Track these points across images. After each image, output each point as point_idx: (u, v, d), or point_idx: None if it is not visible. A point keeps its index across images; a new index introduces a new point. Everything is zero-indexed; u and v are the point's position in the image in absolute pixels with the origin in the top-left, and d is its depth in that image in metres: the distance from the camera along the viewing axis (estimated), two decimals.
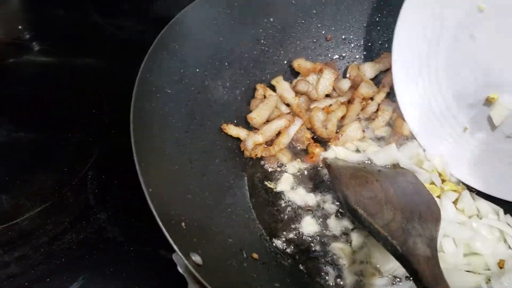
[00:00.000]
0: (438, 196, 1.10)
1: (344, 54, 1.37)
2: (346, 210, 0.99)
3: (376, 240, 0.91)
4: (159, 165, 0.89)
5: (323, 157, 1.18)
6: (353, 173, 1.06)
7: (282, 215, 1.11)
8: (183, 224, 0.83)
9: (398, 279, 1.00)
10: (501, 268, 1.01)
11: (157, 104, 0.97)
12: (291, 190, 1.15)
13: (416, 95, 1.22)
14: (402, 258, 0.84)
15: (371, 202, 0.95)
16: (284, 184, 1.15)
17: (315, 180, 1.18)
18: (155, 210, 0.75)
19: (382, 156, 1.18)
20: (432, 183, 1.13)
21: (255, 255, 0.96)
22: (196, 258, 0.74)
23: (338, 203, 1.11)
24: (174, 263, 0.78)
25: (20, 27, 1.52)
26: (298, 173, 1.19)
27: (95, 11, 1.58)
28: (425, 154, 1.20)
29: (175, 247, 0.71)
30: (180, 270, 0.73)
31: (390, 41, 1.33)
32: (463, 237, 1.04)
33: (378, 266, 1.01)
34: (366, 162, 1.19)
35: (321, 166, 1.19)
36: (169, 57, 1.03)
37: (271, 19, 1.26)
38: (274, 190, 1.14)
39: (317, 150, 1.22)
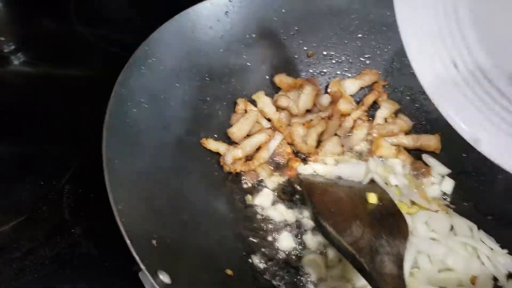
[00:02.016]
0: (409, 213, 1.10)
1: (325, 70, 1.38)
2: (316, 226, 1.00)
3: (344, 257, 0.92)
4: (132, 182, 0.89)
5: (297, 173, 1.18)
6: (325, 189, 1.07)
7: (259, 231, 1.11)
8: (154, 241, 0.83)
9: None
10: (473, 284, 1.01)
11: (133, 119, 0.97)
12: (271, 206, 1.15)
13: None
14: (369, 276, 0.84)
15: (340, 219, 0.97)
16: (263, 199, 1.15)
17: (293, 195, 1.18)
18: (123, 228, 0.75)
19: (352, 172, 1.19)
20: (401, 201, 1.13)
21: (229, 272, 0.96)
22: (164, 277, 0.74)
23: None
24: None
25: (2, 38, 1.51)
26: (278, 188, 1.19)
27: (78, 22, 1.58)
28: (395, 174, 1.20)
29: (141, 265, 0.71)
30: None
31: (371, 58, 1.36)
32: (437, 253, 1.04)
33: (353, 282, 1.01)
34: (342, 178, 1.19)
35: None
36: (146, 72, 1.04)
37: (253, 35, 1.27)
38: (252, 204, 1.14)
39: (296, 164, 1.22)
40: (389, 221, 1.00)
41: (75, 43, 1.55)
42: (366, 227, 0.96)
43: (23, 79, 1.45)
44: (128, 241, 0.73)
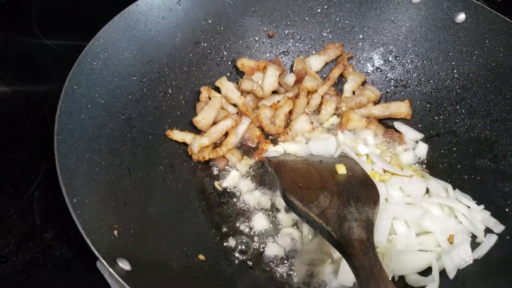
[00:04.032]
0: (382, 180, 1.09)
1: (288, 50, 1.37)
2: (285, 202, 0.99)
3: (313, 228, 0.91)
4: (90, 175, 0.88)
5: (266, 154, 1.17)
6: (293, 166, 1.07)
7: (233, 215, 1.10)
8: (115, 232, 0.82)
9: None
10: (451, 243, 1.00)
11: (88, 114, 0.96)
12: (247, 192, 1.14)
13: None
14: (337, 244, 0.84)
15: (307, 192, 0.96)
16: (230, 181, 1.14)
17: (264, 176, 1.16)
18: (78, 220, 0.74)
19: (323, 148, 1.18)
20: (373, 170, 1.12)
21: (201, 257, 0.95)
22: (124, 264, 0.73)
23: None
24: None
25: None
26: (249, 171, 1.18)
27: (40, 33, 1.56)
28: (364, 144, 1.19)
29: (97, 253, 0.70)
30: (106, 277, 0.71)
31: (333, 31, 1.35)
32: (413, 217, 1.03)
33: (329, 254, 1.00)
34: (313, 154, 1.18)
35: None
36: (99, 67, 1.02)
37: (210, 21, 1.26)
38: (222, 189, 1.13)
39: (267, 146, 1.21)
40: (358, 189, 0.99)
41: (38, 53, 1.53)
42: (334, 197, 0.95)
43: None
44: (82, 231, 0.72)
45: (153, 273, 0.79)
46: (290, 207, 0.97)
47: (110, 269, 0.69)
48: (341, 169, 1.06)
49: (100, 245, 0.72)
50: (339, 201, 0.93)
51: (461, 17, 1.22)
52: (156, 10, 1.16)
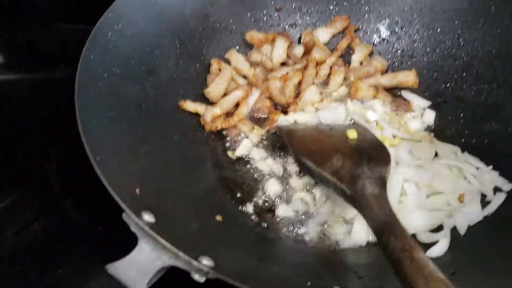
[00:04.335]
0: (392, 145, 1.11)
1: (296, 22, 1.39)
2: (298, 165, 1.01)
3: (328, 188, 0.94)
4: (109, 140, 0.90)
5: (276, 124, 1.20)
6: (304, 132, 1.10)
7: (246, 182, 1.12)
8: (137, 190, 0.84)
9: None
10: (461, 202, 1.02)
11: (104, 84, 0.98)
12: (260, 160, 1.16)
13: None
14: (351, 199, 0.87)
15: (320, 154, 0.99)
16: (243, 149, 1.16)
17: (276, 145, 1.19)
18: (102, 175, 0.76)
19: (333, 117, 1.20)
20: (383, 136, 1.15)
21: (219, 218, 0.97)
22: (149, 217, 0.75)
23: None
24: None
25: None
26: (262, 140, 1.20)
27: (46, 18, 1.58)
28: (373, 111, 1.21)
29: (123, 205, 0.72)
30: (132, 229, 0.74)
31: (339, 4, 1.37)
32: (423, 178, 1.05)
33: (342, 215, 1.03)
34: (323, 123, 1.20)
35: None
36: (113, 38, 1.04)
37: None
38: (234, 157, 1.16)
39: (277, 116, 1.23)
40: (369, 151, 1.02)
41: (51, 39, 1.55)
42: (346, 158, 0.97)
43: (3, 80, 1.45)
44: (107, 184, 0.74)
45: (174, 228, 0.81)
46: (304, 169, 1.00)
47: (137, 220, 0.71)
48: (352, 134, 1.08)
49: (126, 199, 0.74)
50: (351, 162, 0.96)
51: None
52: None
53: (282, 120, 1.22)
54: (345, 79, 1.31)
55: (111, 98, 0.99)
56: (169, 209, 0.87)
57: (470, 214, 1.00)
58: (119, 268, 0.68)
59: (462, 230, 0.99)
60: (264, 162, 1.15)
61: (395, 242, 0.72)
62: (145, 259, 0.69)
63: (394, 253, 0.70)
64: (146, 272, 0.68)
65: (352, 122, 1.20)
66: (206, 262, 0.70)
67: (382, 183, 0.90)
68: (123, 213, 0.73)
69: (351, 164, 0.95)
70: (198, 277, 0.70)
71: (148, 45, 1.14)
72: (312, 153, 1.01)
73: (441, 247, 0.95)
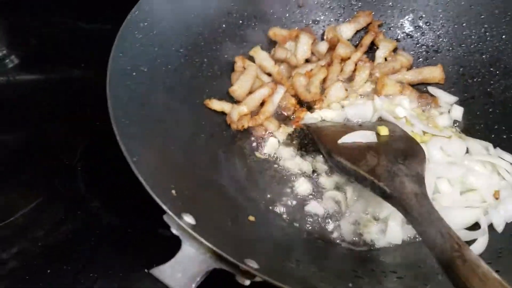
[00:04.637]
0: (423, 141, 1.09)
1: (318, 19, 1.37)
2: (331, 163, 1.00)
3: (364, 186, 0.92)
4: (142, 140, 0.89)
5: (303, 122, 1.18)
6: (334, 130, 1.07)
7: (275, 181, 1.11)
8: (173, 191, 0.83)
9: None
10: (497, 199, 1.01)
11: (133, 82, 0.97)
12: (288, 159, 1.15)
13: None
14: (391, 198, 0.85)
15: (353, 152, 0.97)
16: (270, 148, 1.15)
17: (304, 143, 1.17)
18: (141, 177, 0.74)
19: (360, 112, 1.19)
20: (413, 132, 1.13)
21: (251, 218, 0.96)
22: (189, 218, 0.74)
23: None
24: (173, 238, 0.77)
25: None
26: (288, 139, 1.19)
27: (72, 17, 1.57)
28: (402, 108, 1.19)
29: (164, 207, 0.71)
30: (173, 231, 0.72)
31: (362, 0, 1.35)
32: (456, 175, 1.04)
33: (375, 214, 1.01)
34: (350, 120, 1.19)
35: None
36: (140, 36, 1.03)
37: None
38: (262, 156, 1.14)
39: (303, 114, 1.22)
40: (403, 148, 1.00)
41: (67, 39, 1.54)
42: (381, 155, 0.96)
43: (20, 79, 1.44)
44: (147, 187, 0.73)
45: (213, 228, 0.80)
46: (338, 168, 0.98)
47: (179, 221, 0.70)
48: (383, 131, 1.06)
49: (166, 200, 0.73)
50: (386, 159, 0.94)
51: None
52: None
53: (309, 118, 1.20)
54: (370, 75, 1.29)
55: (140, 97, 0.97)
56: (205, 210, 0.86)
57: (507, 211, 0.98)
58: (165, 272, 0.67)
59: (499, 228, 0.97)
60: (293, 161, 1.14)
61: (443, 242, 0.70)
62: (191, 262, 0.68)
63: (444, 253, 0.69)
64: (193, 275, 0.67)
65: (380, 118, 1.18)
66: (252, 264, 0.68)
67: (420, 180, 0.88)
68: (164, 214, 0.72)
69: (386, 162, 0.93)
70: (243, 280, 0.69)
71: (173, 44, 1.13)
72: (345, 150, 0.99)
73: (479, 246, 0.93)
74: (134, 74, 0.99)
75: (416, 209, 0.79)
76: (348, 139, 1.03)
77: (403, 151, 0.98)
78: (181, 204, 0.79)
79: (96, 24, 1.60)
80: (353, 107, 1.21)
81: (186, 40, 1.16)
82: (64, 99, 1.33)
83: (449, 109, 1.24)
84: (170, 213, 0.70)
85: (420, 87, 1.30)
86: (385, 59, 1.33)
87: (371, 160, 0.94)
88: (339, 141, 1.02)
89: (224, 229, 0.84)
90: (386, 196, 0.87)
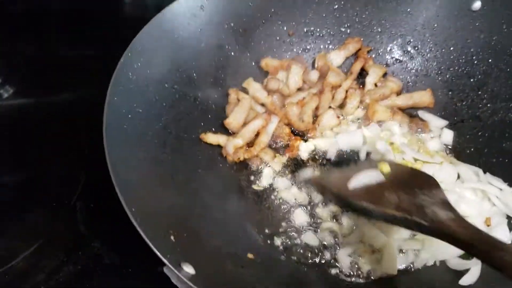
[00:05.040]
0: None
1: (308, 47, 1.39)
2: (354, 211, 0.96)
3: (395, 224, 0.87)
4: (140, 184, 0.91)
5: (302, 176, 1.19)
6: (341, 177, 1.00)
7: (272, 213, 1.13)
8: (171, 237, 0.85)
9: None
10: (488, 226, 1.03)
11: (129, 125, 0.99)
12: (285, 190, 1.17)
13: None
14: (431, 231, 0.81)
15: (371, 193, 0.92)
16: (265, 179, 1.17)
17: (299, 172, 1.19)
18: (140, 228, 0.76)
19: (349, 141, 1.22)
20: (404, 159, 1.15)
21: (250, 256, 0.98)
22: (188, 268, 0.76)
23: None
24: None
25: None
26: (283, 168, 1.21)
27: (60, 44, 1.59)
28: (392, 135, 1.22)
29: (165, 260, 0.73)
30: (174, 282, 0.74)
31: (351, 26, 1.38)
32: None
33: (371, 244, 1.03)
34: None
35: (302, 158, 1.22)
36: (134, 77, 1.04)
37: (232, 24, 1.28)
38: (259, 189, 1.16)
39: (297, 143, 1.24)
40: (413, 179, 0.96)
41: (61, 66, 1.55)
42: (398, 191, 0.90)
43: (15, 109, 1.46)
44: (147, 240, 0.75)
45: (213, 274, 0.82)
46: (362, 213, 0.92)
47: (179, 274, 0.72)
48: (385, 167, 1.03)
49: (165, 251, 0.75)
50: (405, 194, 0.89)
51: (477, 4, 1.24)
52: (182, 17, 1.18)
53: (303, 147, 1.23)
54: (361, 101, 1.32)
55: (136, 139, 0.99)
56: (204, 254, 0.88)
57: (498, 237, 1.00)
58: None
59: None
60: (289, 192, 1.16)
61: (509, 258, 0.68)
62: None
63: None
64: None
65: (368, 157, 1.19)
66: None
67: (449, 205, 0.85)
68: (164, 267, 0.74)
69: (407, 196, 0.88)
70: None
71: (167, 81, 1.14)
72: (362, 194, 0.92)
73: (472, 275, 0.96)
74: (129, 116, 1.01)
75: (463, 233, 0.76)
76: (357, 183, 0.96)
77: (415, 182, 0.94)
78: (179, 250, 0.81)
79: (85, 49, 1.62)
80: (344, 136, 1.24)
81: (180, 75, 1.18)
82: (60, 126, 1.35)
83: (440, 133, 1.27)
84: (170, 266, 0.72)
85: (410, 111, 1.32)
86: (375, 85, 1.35)
87: (391, 197, 0.89)
88: (351, 187, 0.95)
89: (224, 273, 0.86)
90: (425, 230, 0.82)
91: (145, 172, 0.96)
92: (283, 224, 1.10)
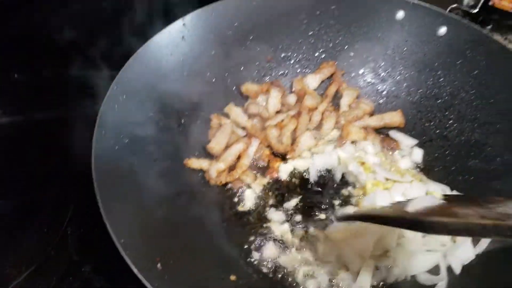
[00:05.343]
0: (386, 188, 1.19)
1: (286, 71, 1.47)
2: (430, 232, 0.83)
3: (485, 237, 0.89)
4: (128, 216, 0.96)
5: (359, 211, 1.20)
6: (394, 207, 0.96)
7: (253, 234, 1.19)
8: (158, 265, 0.91)
9: None
10: (454, 242, 1.11)
11: (117, 156, 1.04)
12: (277, 222, 1.22)
13: None
14: None
15: (440, 212, 0.86)
16: (248, 202, 1.24)
17: (279, 192, 1.27)
18: (129, 260, 0.82)
19: (325, 161, 1.30)
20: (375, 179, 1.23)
21: (232, 277, 1.04)
22: None
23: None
24: None
25: None
26: (264, 189, 1.27)
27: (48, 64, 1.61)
28: (366, 154, 1.31)
29: None
30: None
31: (326, 51, 1.45)
32: None
33: (348, 268, 1.11)
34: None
35: (282, 178, 1.28)
36: (120, 109, 1.10)
37: (212, 52, 1.34)
38: (241, 209, 1.23)
39: (277, 164, 1.31)
40: (469, 198, 0.98)
41: (47, 86, 1.58)
42: (468, 206, 0.85)
43: (2, 131, 1.48)
44: (136, 271, 0.80)
45: None
46: (437, 232, 0.82)
47: None
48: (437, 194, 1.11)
49: (153, 280, 0.81)
50: (479, 206, 0.84)
51: (443, 30, 1.32)
52: (164, 48, 1.25)
53: (282, 168, 1.29)
54: (336, 122, 1.39)
55: (124, 170, 1.05)
56: (190, 277, 0.94)
57: (463, 253, 1.09)
58: None
59: (457, 270, 1.08)
60: (279, 227, 1.21)
61: None
62: None
63: None
64: None
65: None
66: None
67: None
68: None
69: (482, 209, 0.83)
70: None
71: (152, 110, 1.20)
72: (433, 212, 0.86)
73: None
74: (116, 147, 1.06)
75: None
76: (416, 206, 0.88)
77: (474, 198, 0.93)
78: (167, 278, 0.88)
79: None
80: (320, 157, 1.31)
81: (164, 104, 1.24)
82: (48, 147, 1.37)
83: (410, 152, 1.35)
84: None
85: (382, 131, 1.40)
86: (349, 106, 1.43)
87: (467, 211, 0.82)
88: (409, 208, 0.88)
89: None
90: None
91: (133, 203, 1.01)
92: (264, 244, 1.17)
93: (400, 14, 1.36)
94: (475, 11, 1.36)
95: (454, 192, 1.21)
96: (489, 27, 1.65)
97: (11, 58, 1.64)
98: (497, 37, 1.63)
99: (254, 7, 1.35)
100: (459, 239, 1.12)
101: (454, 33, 1.31)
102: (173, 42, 1.26)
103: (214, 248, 1.12)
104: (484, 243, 1.10)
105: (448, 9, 1.34)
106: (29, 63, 1.64)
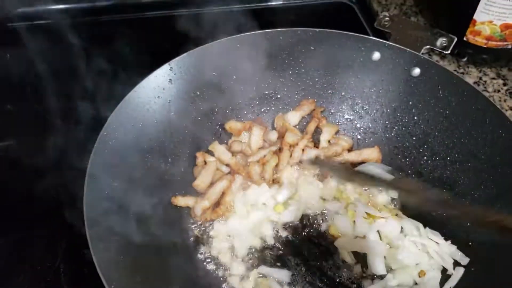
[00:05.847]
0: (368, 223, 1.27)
1: (268, 108, 1.53)
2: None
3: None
4: (118, 259, 1.02)
5: None
6: None
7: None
8: None
9: None
10: (420, 277, 1.18)
11: (107, 199, 1.10)
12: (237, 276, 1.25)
13: None
14: None
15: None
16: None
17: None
18: None
19: (310, 194, 1.36)
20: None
21: None
22: None
23: None
24: None
25: None
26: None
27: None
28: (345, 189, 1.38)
29: None
30: None
31: (306, 89, 1.53)
32: (391, 253, 1.21)
33: None
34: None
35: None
36: (110, 155, 1.16)
37: (198, 93, 1.41)
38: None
39: None
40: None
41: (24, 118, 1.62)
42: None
43: None
44: None
45: None
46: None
47: None
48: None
49: None
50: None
51: (417, 71, 1.40)
52: (152, 92, 1.31)
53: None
54: (316, 158, 1.46)
55: (114, 215, 1.10)
56: None
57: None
58: None
59: None
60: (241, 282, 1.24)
61: None
62: None
63: None
64: None
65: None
66: None
67: None
68: None
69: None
70: None
71: (140, 152, 1.26)
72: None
73: None
74: (107, 192, 1.12)
75: None
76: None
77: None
78: None
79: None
80: (301, 193, 1.38)
81: (151, 145, 1.29)
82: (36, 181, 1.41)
83: (387, 187, 1.42)
84: None
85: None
86: (329, 142, 1.50)
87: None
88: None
89: None
90: None
91: (122, 250, 1.05)
92: None
93: (376, 56, 1.44)
94: (448, 52, 1.44)
95: (427, 229, 1.28)
96: (464, 59, 1.74)
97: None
98: (472, 69, 1.73)
99: (237, 49, 1.42)
100: (428, 275, 1.19)
101: (427, 74, 1.38)
102: (160, 85, 1.32)
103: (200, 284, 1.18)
104: (453, 281, 1.17)
105: (421, 51, 1.41)
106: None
